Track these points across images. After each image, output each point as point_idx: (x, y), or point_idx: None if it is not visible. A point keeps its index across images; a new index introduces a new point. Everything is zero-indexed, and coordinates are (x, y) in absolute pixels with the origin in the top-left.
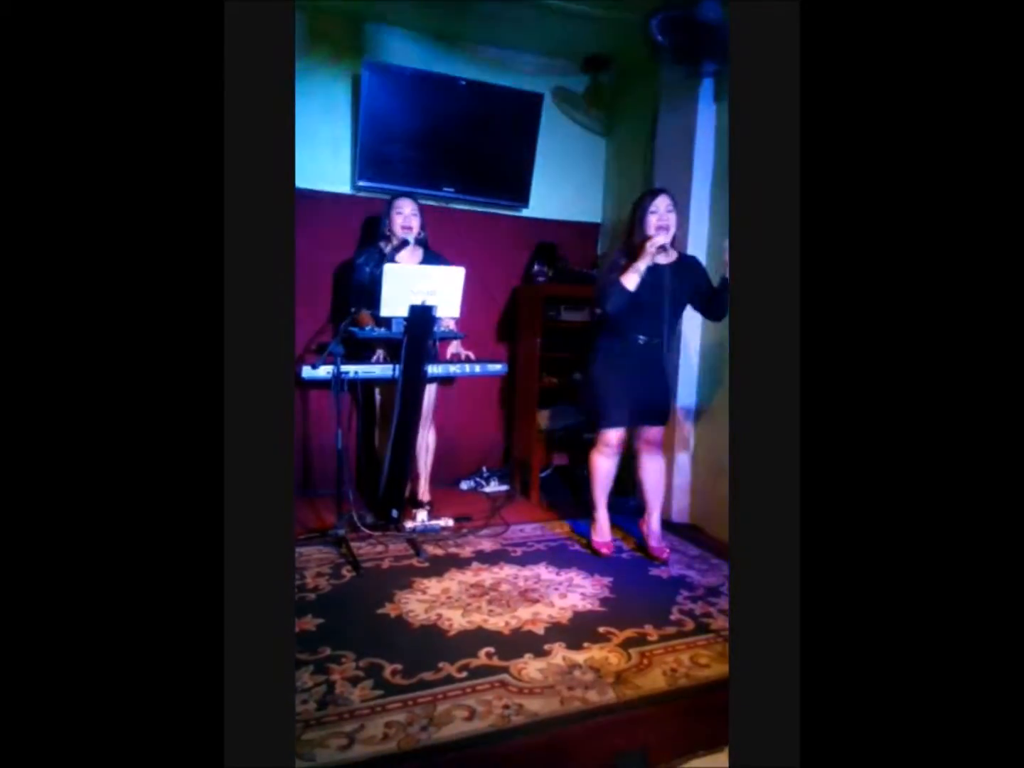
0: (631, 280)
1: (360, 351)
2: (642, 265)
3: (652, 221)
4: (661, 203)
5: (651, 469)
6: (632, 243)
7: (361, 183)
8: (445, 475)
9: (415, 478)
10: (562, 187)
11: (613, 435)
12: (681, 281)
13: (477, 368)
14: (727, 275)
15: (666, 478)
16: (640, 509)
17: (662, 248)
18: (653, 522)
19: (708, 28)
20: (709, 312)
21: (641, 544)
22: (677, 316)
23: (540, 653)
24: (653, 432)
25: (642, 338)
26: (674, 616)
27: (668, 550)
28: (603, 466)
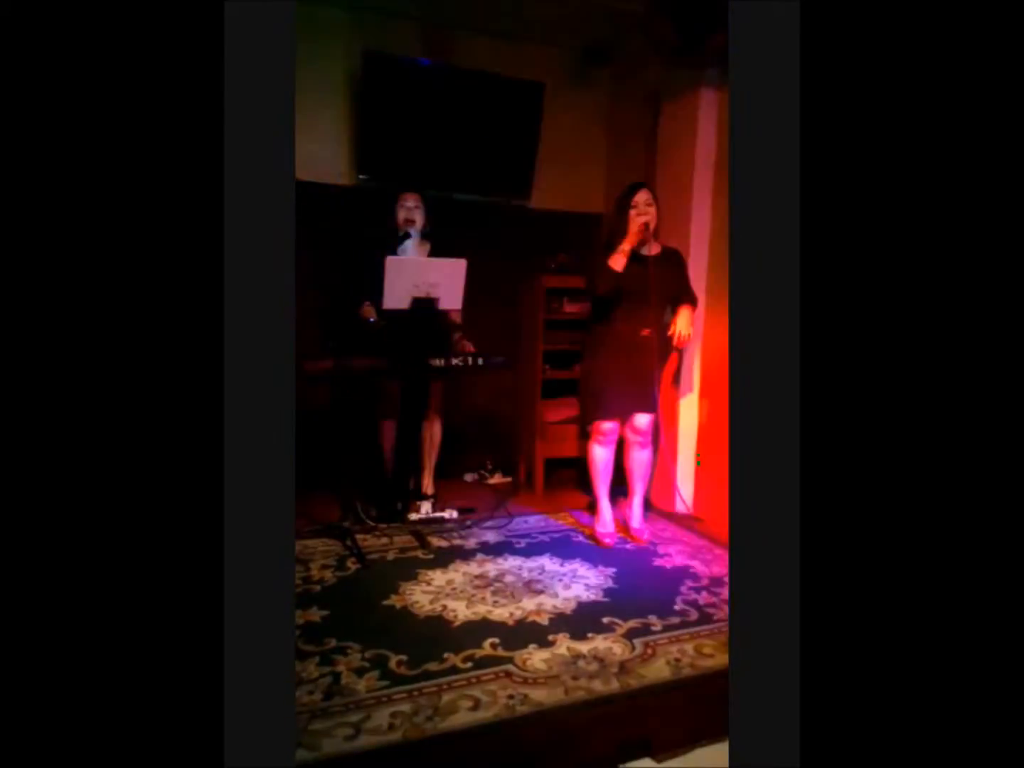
0: (618, 261)
1: (363, 344)
2: (627, 246)
3: (632, 215)
4: (640, 197)
5: (638, 459)
6: (616, 234)
7: (362, 176)
8: (449, 467)
9: (420, 470)
10: (564, 178)
11: (608, 424)
12: (665, 271)
13: (480, 361)
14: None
15: (669, 469)
16: (625, 492)
17: (646, 236)
18: (635, 505)
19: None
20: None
21: (625, 525)
22: (664, 305)
23: (544, 643)
24: (642, 421)
25: (632, 327)
26: (678, 606)
27: (648, 531)
28: (600, 455)
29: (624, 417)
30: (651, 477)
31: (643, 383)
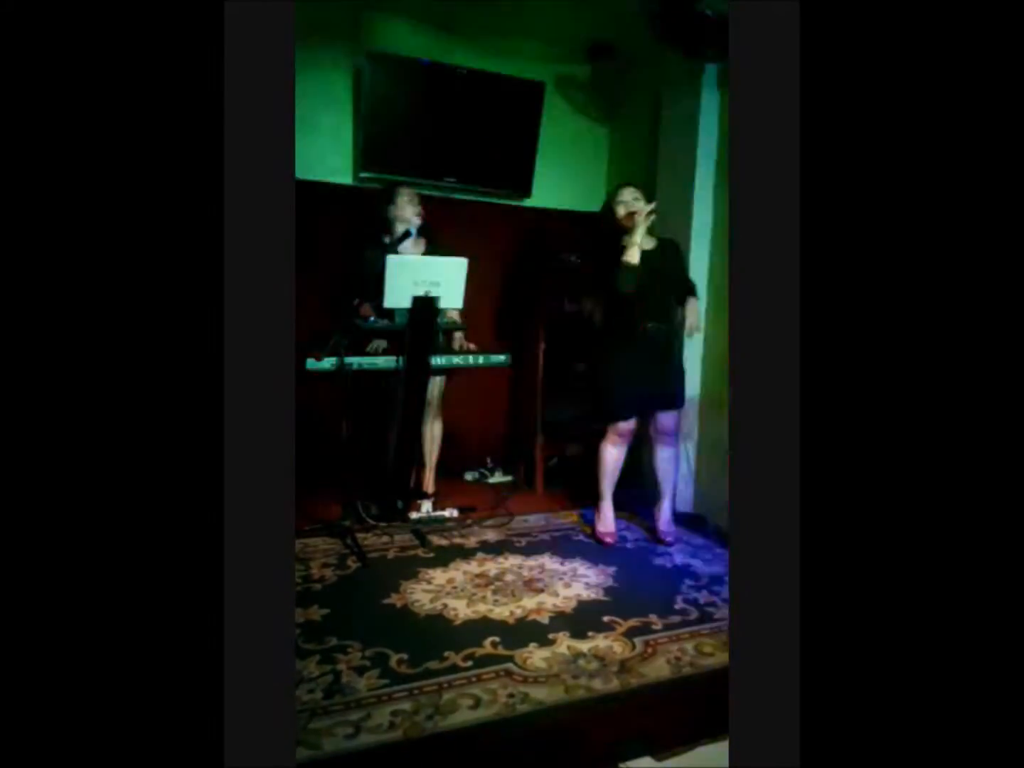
0: (634, 255)
1: (364, 343)
2: (637, 237)
3: (620, 211)
4: (627, 193)
5: (665, 458)
6: (610, 232)
7: (363, 174)
8: (449, 466)
9: (420, 469)
10: (564, 177)
11: (624, 425)
12: (667, 262)
13: (480, 359)
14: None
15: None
16: (655, 496)
17: (647, 226)
18: (665, 508)
19: (710, 20)
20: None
21: (651, 528)
22: (676, 296)
23: (545, 642)
24: (667, 421)
25: (650, 324)
26: (678, 605)
27: (673, 534)
28: (612, 456)
29: (645, 416)
30: (677, 475)
31: (663, 380)
